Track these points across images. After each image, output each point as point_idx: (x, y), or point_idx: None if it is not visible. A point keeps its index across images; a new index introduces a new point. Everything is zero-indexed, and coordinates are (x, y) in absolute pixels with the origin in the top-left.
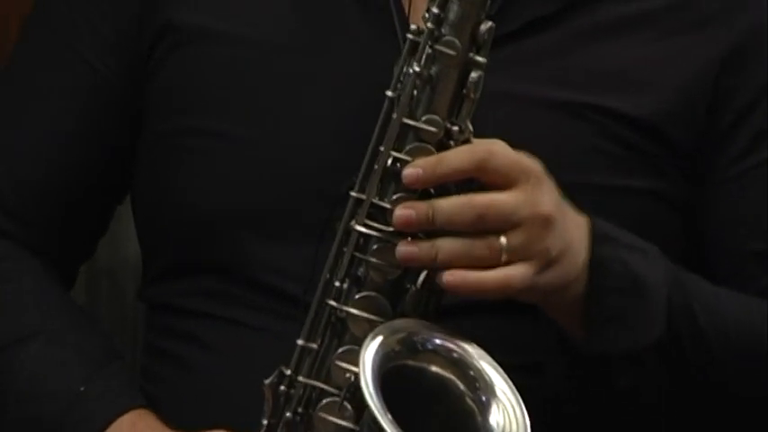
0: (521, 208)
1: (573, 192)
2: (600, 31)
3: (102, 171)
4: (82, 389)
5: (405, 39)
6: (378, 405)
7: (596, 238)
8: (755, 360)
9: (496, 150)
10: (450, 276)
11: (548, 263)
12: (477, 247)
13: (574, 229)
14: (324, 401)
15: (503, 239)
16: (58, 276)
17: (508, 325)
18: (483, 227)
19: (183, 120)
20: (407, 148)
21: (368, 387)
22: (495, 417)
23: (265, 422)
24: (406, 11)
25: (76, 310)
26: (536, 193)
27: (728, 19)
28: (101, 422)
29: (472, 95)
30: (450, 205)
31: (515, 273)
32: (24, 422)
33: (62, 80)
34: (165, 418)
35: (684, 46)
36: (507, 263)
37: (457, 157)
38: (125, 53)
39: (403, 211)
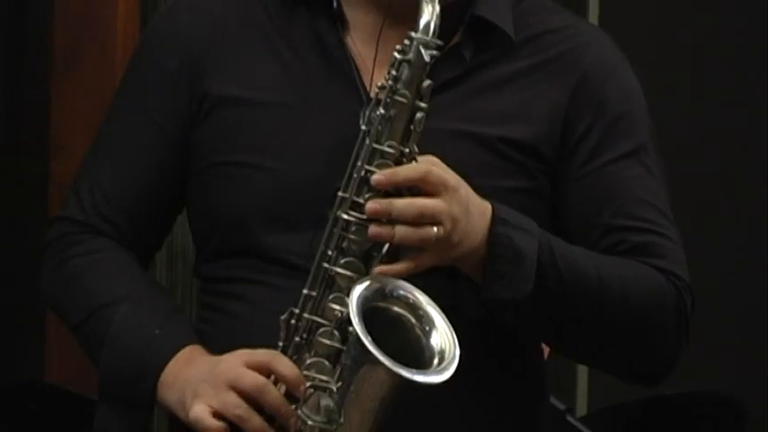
0: (442, 212)
1: (479, 190)
2: (489, 86)
3: (166, 192)
4: (157, 331)
5: (367, 95)
6: (360, 328)
7: (494, 220)
8: (609, 291)
9: (433, 169)
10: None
11: (455, 244)
12: (418, 231)
13: (477, 218)
14: (320, 330)
15: (434, 228)
16: (139, 261)
17: (438, 281)
18: (421, 219)
19: (218, 156)
20: (375, 163)
21: (354, 317)
22: (435, 340)
23: (281, 344)
24: (364, 77)
25: (153, 283)
26: (452, 203)
27: (569, 74)
28: (169, 352)
29: (418, 129)
30: (401, 204)
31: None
32: (115, 355)
33: (139, 136)
34: (211, 349)
35: (544, 91)
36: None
37: (408, 170)
38: (180, 114)
39: (372, 205)
